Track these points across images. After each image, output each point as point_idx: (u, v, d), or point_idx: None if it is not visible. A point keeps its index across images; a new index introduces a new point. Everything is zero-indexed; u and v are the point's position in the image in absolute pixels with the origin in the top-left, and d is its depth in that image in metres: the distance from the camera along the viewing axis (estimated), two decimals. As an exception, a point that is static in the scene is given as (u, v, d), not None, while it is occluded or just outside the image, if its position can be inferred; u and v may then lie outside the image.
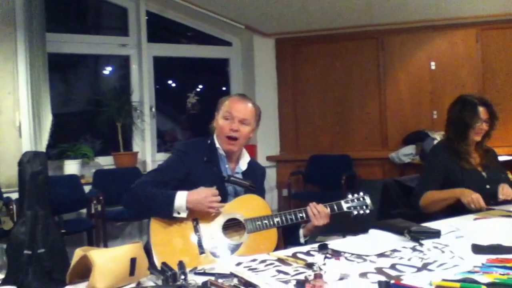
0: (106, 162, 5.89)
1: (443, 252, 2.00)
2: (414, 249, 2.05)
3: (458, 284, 1.47)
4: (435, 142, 5.66)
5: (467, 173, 3.03)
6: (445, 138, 3.27)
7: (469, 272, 1.69)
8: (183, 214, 2.27)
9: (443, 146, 3.20)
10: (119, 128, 5.86)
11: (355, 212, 2.56)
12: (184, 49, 6.80)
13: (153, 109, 6.22)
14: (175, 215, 2.27)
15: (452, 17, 6.14)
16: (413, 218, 2.46)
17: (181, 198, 2.27)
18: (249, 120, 2.52)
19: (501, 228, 2.35)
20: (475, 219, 2.61)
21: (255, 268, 1.86)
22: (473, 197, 2.76)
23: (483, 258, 1.84)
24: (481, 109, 3.05)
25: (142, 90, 6.13)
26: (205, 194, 2.29)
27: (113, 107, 5.79)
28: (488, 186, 3.02)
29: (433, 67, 6.36)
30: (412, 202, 3.07)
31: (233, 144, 2.51)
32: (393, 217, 2.51)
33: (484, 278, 1.58)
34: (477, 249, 1.95)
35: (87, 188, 5.35)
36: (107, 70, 6.66)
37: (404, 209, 3.22)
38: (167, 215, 2.27)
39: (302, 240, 2.52)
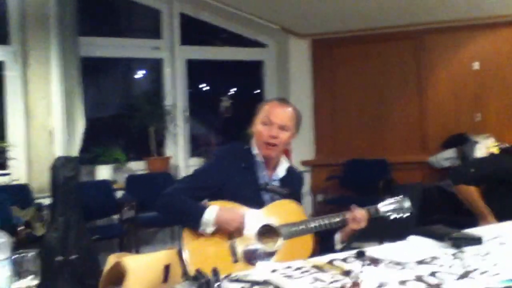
0: (138, 167, 5.89)
1: (485, 259, 1.93)
2: (455, 256, 2.00)
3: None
4: (477, 145, 5.54)
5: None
6: None
7: (514, 280, 1.63)
8: (209, 230, 2.24)
9: None
10: (152, 132, 5.88)
11: (394, 216, 2.49)
12: (217, 51, 6.74)
13: (187, 113, 6.22)
14: (201, 230, 2.24)
15: (496, 15, 5.96)
16: (454, 224, 2.38)
17: (211, 214, 2.23)
18: (289, 126, 2.47)
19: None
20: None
21: (291, 275, 1.83)
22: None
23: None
24: None
25: (175, 93, 6.13)
26: (235, 217, 2.25)
27: (145, 111, 5.80)
28: None
29: (476, 68, 6.19)
30: (450, 176, 3.04)
31: (272, 150, 2.45)
32: (433, 223, 2.43)
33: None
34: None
35: (119, 194, 5.36)
36: (139, 74, 6.69)
37: (445, 215, 3.14)
38: (194, 227, 2.25)
39: (339, 246, 2.46)
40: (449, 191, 3.32)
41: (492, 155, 3.10)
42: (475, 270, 1.79)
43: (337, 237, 2.47)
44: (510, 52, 6.08)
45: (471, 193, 2.93)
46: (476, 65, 6.19)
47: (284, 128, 2.45)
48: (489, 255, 1.98)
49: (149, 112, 5.83)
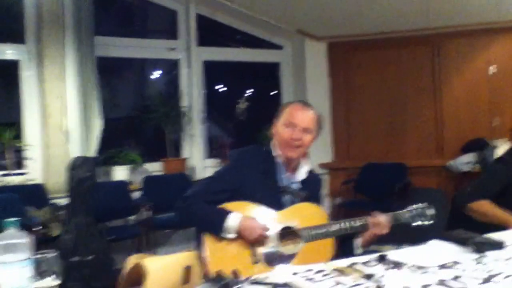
0: (154, 168, 5.90)
1: (507, 264, 1.90)
2: (477, 260, 1.97)
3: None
4: (496, 150, 5.48)
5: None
6: (510, 148, 3.08)
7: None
8: (231, 236, 2.22)
9: (509, 157, 3.01)
10: (168, 133, 5.88)
11: (417, 223, 2.46)
12: (234, 53, 6.74)
13: (203, 114, 6.21)
14: (223, 235, 2.22)
15: (511, 19, 5.92)
16: (476, 229, 2.34)
17: (235, 220, 2.22)
18: (311, 129, 2.47)
19: None
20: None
21: (312, 278, 1.81)
22: None
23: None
24: None
25: (192, 94, 6.14)
26: (257, 226, 2.24)
27: (161, 112, 5.81)
28: None
29: (492, 72, 6.13)
30: (457, 201, 2.94)
31: (294, 151, 2.44)
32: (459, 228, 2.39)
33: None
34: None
35: (135, 194, 5.38)
36: (155, 75, 6.70)
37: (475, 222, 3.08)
38: (215, 233, 2.23)
39: (358, 251, 2.43)
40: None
41: (493, 170, 3.02)
42: (498, 274, 1.76)
43: (357, 242, 2.45)
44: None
45: (484, 205, 2.84)
46: (492, 69, 6.13)
47: (307, 130, 2.45)
48: (512, 260, 1.95)
49: (164, 113, 5.83)
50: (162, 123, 5.86)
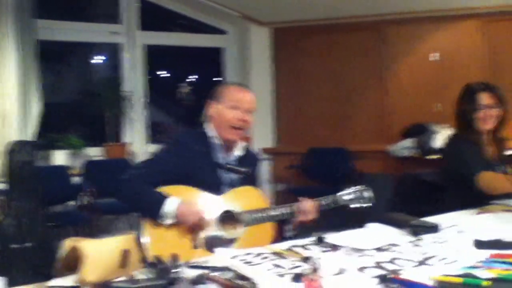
0: (95, 153, 5.80)
1: (443, 246, 1.95)
2: (413, 243, 2.01)
3: (460, 279, 1.43)
4: (436, 135, 5.62)
5: (486, 164, 2.85)
6: (455, 131, 3.11)
7: (471, 267, 1.64)
8: (168, 221, 2.21)
9: (460, 137, 3.03)
10: (110, 118, 5.78)
11: (355, 205, 2.52)
12: (177, 37, 6.67)
13: (145, 99, 6.13)
14: (160, 221, 2.20)
15: (455, 7, 6.05)
16: (420, 213, 2.39)
17: (172, 206, 2.20)
18: (253, 110, 2.50)
19: (503, 223, 2.32)
20: (477, 213, 2.58)
21: (251, 262, 1.81)
22: None
23: (485, 253, 1.79)
24: (483, 95, 2.90)
25: (134, 79, 6.05)
26: (195, 211, 2.22)
27: (103, 97, 5.72)
28: None
29: (436, 59, 6.28)
30: (469, 187, 2.79)
31: (238, 133, 2.47)
32: (404, 212, 2.43)
33: (486, 274, 1.53)
34: (480, 244, 1.91)
35: (75, 180, 5.27)
36: (98, 59, 6.57)
37: (419, 204, 3.13)
38: (152, 217, 2.21)
39: (288, 234, 2.46)
40: (424, 180, 3.32)
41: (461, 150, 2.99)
42: (433, 257, 1.80)
43: (288, 227, 2.48)
44: (468, 44, 6.18)
45: (491, 179, 2.74)
46: (436, 56, 6.28)
47: (250, 112, 2.47)
48: (447, 242, 2.00)
49: (107, 98, 5.75)
50: (104, 108, 5.76)
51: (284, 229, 2.49)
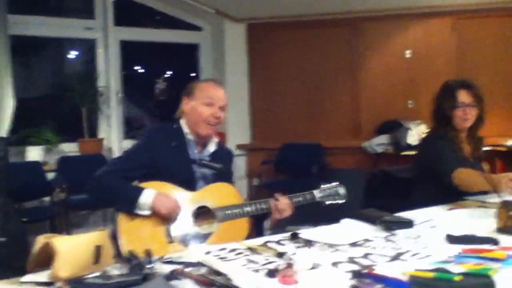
0: (70, 148, 5.76)
1: (416, 242, 1.98)
2: (387, 239, 2.03)
3: (432, 274, 1.44)
4: (409, 132, 5.68)
5: (461, 160, 2.87)
6: (432, 128, 3.13)
7: (443, 262, 1.67)
8: (145, 213, 2.21)
9: (437, 134, 3.04)
10: (84, 114, 5.73)
11: (329, 202, 2.54)
12: (152, 33, 6.62)
13: (120, 95, 6.09)
14: (137, 211, 2.20)
15: (428, 5, 6.13)
16: (392, 208, 2.41)
17: (148, 197, 2.20)
18: (226, 106, 2.52)
19: (474, 219, 2.35)
20: (450, 209, 2.61)
21: (225, 257, 1.82)
22: (508, 184, 2.46)
23: (457, 248, 1.82)
24: (462, 93, 2.92)
25: (109, 75, 6.00)
26: (172, 205, 2.23)
27: (78, 92, 5.66)
28: None
29: (408, 56, 6.35)
30: (444, 183, 2.80)
31: (212, 129, 2.48)
32: (377, 207, 2.46)
33: (458, 268, 1.56)
34: (452, 239, 1.94)
35: (50, 175, 5.21)
36: (72, 54, 6.51)
37: (390, 200, 3.15)
38: (128, 209, 2.21)
39: (267, 232, 2.47)
40: (395, 176, 3.35)
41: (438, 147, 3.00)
42: (406, 252, 1.82)
43: (266, 223, 2.50)
44: (440, 42, 6.27)
45: (465, 175, 2.74)
46: (408, 53, 6.34)
47: (223, 108, 2.50)
48: (420, 238, 2.02)
49: (81, 93, 5.70)
50: (79, 103, 5.71)
51: (263, 226, 2.50)
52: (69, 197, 5.01)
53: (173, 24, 6.62)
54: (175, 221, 2.24)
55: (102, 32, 6.03)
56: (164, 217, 2.23)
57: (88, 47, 6.19)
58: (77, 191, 4.96)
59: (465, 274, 1.44)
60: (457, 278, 1.40)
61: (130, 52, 6.30)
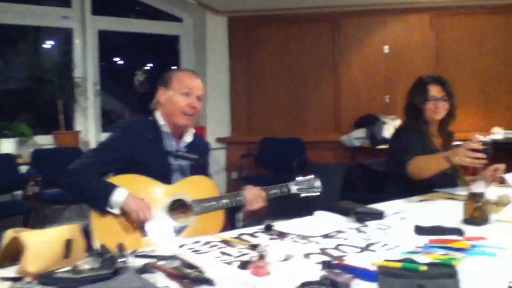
0: (45, 141, 5.68)
1: (386, 233, 2.01)
2: (358, 230, 2.07)
3: (399, 264, 1.47)
4: (385, 126, 5.74)
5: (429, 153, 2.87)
6: (404, 121, 3.17)
7: (411, 252, 1.70)
8: (115, 211, 2.18)
9: (407, 126, 3.10)
10: (60, 106, 5.67)
11: (304, 194, 2.56)
12: (132, 24, 6.54)
13: (97, 87, 6.03)
14: (107, 209, 2.18)
15: (407, 1, 6.18)
16: (367, 201, 2.44)
17: (120, 196, 2.18)
18: (203, 96, 2.50)
19: (443, 210, 2.39)
20: (420, 201, 2.65)
21: (198, 250, 1.83)
22: (465, 153, 2.48)
23: (425, 239, 1.86)
24: (433, 87, 2.99)
25: (86, 66, 5.93)
26: (142, 207, 2.19)
27: (54, 83, 5.58)
28: (449, 170, 2.87)
29: (387, 51, 6.40)
30: (402, 175, 2.84)
31: (190, 119, 2.46)
32: (354, 200, 2.48)
33: (424, 258, 1.60)
34: (420, 230, 1.98)
35: (23, 169, 5.14)
36: (48, 44, 6.41)
37: (366, 193, 3.18)
38: (99, 207, 2.18)
39: (239, 224, 2.48)
40: (372, 169, 3.38)
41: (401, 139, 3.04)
42: (376, 243, 1.86)
43: (239, 215, 2.50)
44: (417, 38, 6.34)
45: (419, 160, 2.77)
46: (386, 49, 6.39)
47: (200, 98, 2.48)
48: (391, 229, 2.06)
49: (58, 85, 5.62)
50: (55, 95, 5.63)
51: (236, 219, 2.50)
52: (43, 191, 4.95)
53: (154, 15, 6.55)
54: (145, 223, 2.21)
55: (79, 21, 5.94)
56: (134, 219, 2.20)
57: (64, 37, 6.10)
58: (52, 185, 4.91)
59: (430, 264, 1.47)
60: (423, 268, 1.43)
61: (109, 42, 6.23)
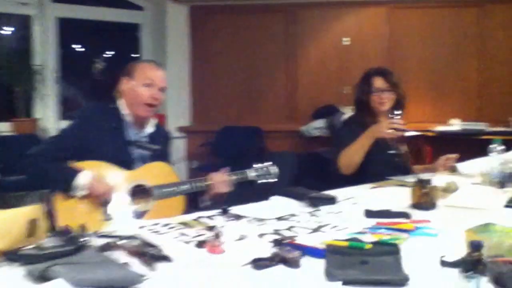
0: (4, 128, 5.61)
1: (337, 216, 2.13)
2: (311, 214, 2.17)
3: (346, 243, 1.58)
4: (343, 116, 5.87)
5: (376, 144, 2.96)
6: (354, 114, 3.28)
7: (358, 233, 1.82)
8: (79, 195, 2.25)
9: (352, 118, 3.23)
10: (19, 93, 5.61)
11: (262, 180, 2.65)
12: (91, 11, 6.45)
13: (57, 74, 5.99)
14: (73, 193, 2.24)
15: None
16: (320, 187, 2.55)
17: (83, 179, 2.24)
18: (165, 88, 2.55)
19: (393, 196, 2.50)
20: (372, 188, 2.76)
21: (158, 231, 1.91)
22: (386, 126, 2.75)
23: (373, 222, 1.98)
24: (376, 80, 3.08)
25: (45, 53, 5.88)
26: (106, 185, 2.29)
27: (12, 70, 5.53)
28: (396, 159, 3.08)
29: (344, 43, 6.52)
30: (333, 171, 3.01)
31: (151, 110, 2.52)
32: (306, 186, 2.58)
33: (370, 238, 1.73)
34: (369, 213, 2.09)
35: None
36: (7, 31, 6.32)
37: (320, 180, 3.29)
38: (64, 190, 2.25)
39: (203, 204, 2.56)
40: (325, 157, 3.50)
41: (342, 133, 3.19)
42: (327, 225, 1.97)
43: (202, 198, 2.58)
44: (373, 30, 6.48)
45: (345, 151, 2.93)
46: (344, 41, 6.52)
47: (163, 90, 2.53)
48: (342, 213, 2.18)
49: (16, 72, 5.55)
50: (13, 82, 5.58)
51: (200, 200, 2.57)
52: (2, 179, 4.92)
53: (114, 3, 6.51)
54: (109, 203, 2.29)
55: (38, 8, 5.86)
56: (98, 200, 2.27)
57: (23, 24, 6.02)
58: (11, 172, 4.87)
59: (375, 243, 1.59)
60: (367, 246, 1.54)
61: (69, 30, 6.17)
